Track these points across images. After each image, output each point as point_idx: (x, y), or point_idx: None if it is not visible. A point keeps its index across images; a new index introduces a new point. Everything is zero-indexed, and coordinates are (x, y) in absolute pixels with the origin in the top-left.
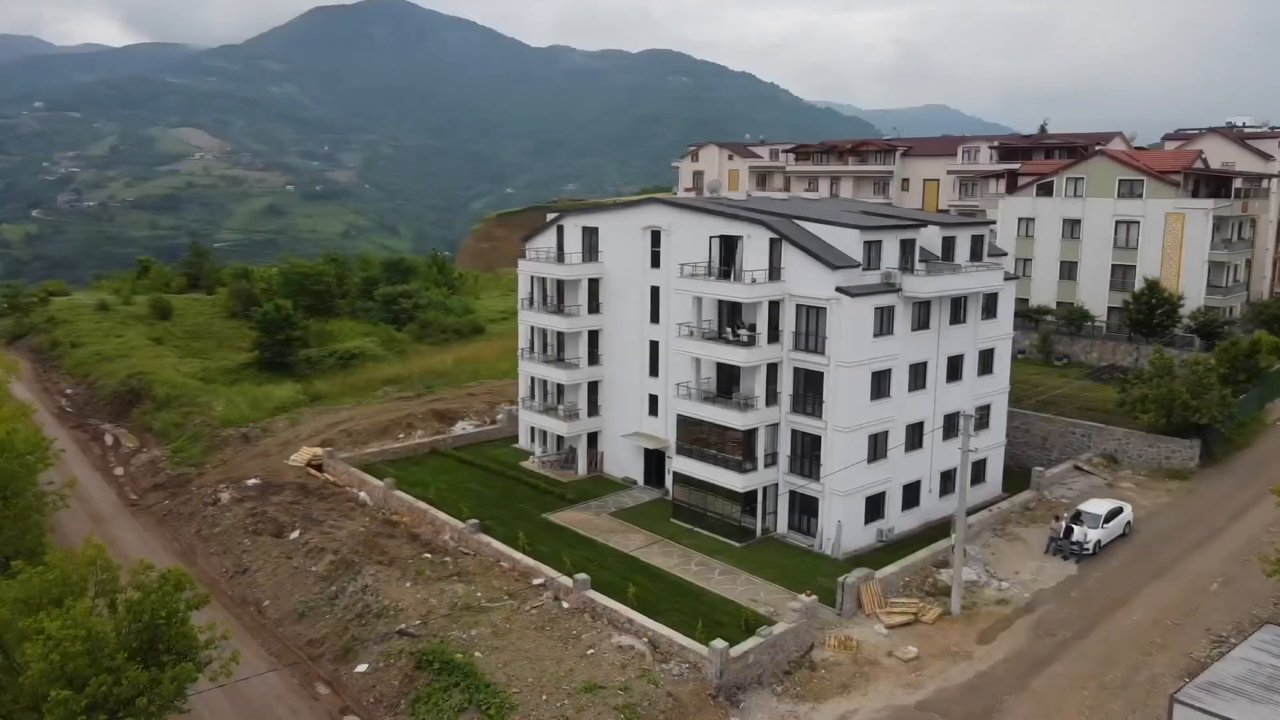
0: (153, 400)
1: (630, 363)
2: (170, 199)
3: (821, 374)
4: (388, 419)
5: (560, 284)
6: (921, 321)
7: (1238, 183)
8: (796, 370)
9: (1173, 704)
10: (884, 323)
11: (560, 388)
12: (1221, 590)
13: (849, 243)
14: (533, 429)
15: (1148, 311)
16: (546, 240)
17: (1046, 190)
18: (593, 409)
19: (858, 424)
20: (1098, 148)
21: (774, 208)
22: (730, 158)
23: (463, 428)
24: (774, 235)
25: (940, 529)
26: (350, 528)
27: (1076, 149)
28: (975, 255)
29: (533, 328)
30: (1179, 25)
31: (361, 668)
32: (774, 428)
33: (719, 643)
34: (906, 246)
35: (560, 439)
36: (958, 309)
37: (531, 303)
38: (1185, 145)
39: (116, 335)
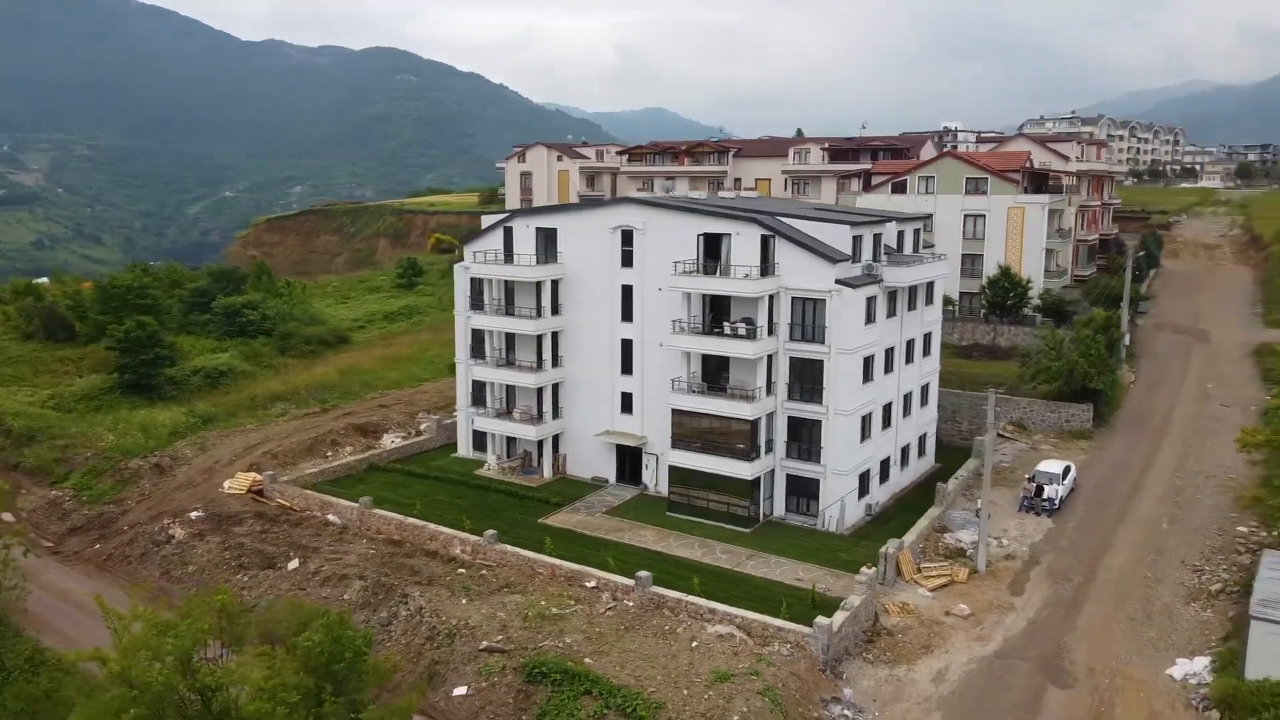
0: (7, 435)
1: (598, 362)
2: None
3: (820, 362)
4: (308, 437)
5: (510, 286)
6: (891, 309)
7: (1053, 180)
8: (793, 360)
9: (1250, 620)
10: (871, 311)
11: (511, 391)
12: (1172, 528)
13: (839, 238)
14: (476, 434)
15: (1003, 294)
16: (491, 242)
17: (901, 188)
18: (554, 410)
19: (854, 407)
20: (948, 150)
21: (741, 205)
22: (560, 159)
23: (392, 440)
24: (766, 232)
25: (903, 499)
26: (357, 551)
27: (899, 150)
28: (915, 247)
29: (481, 331)
30: (861, 36)
31: (460, 691)
32: (770, 416)
33: (823, 620)
34: (877, 240)
35: (511, 442)
36: (914, 297)
37: (480, 306)
38: (998, 147)
39: None
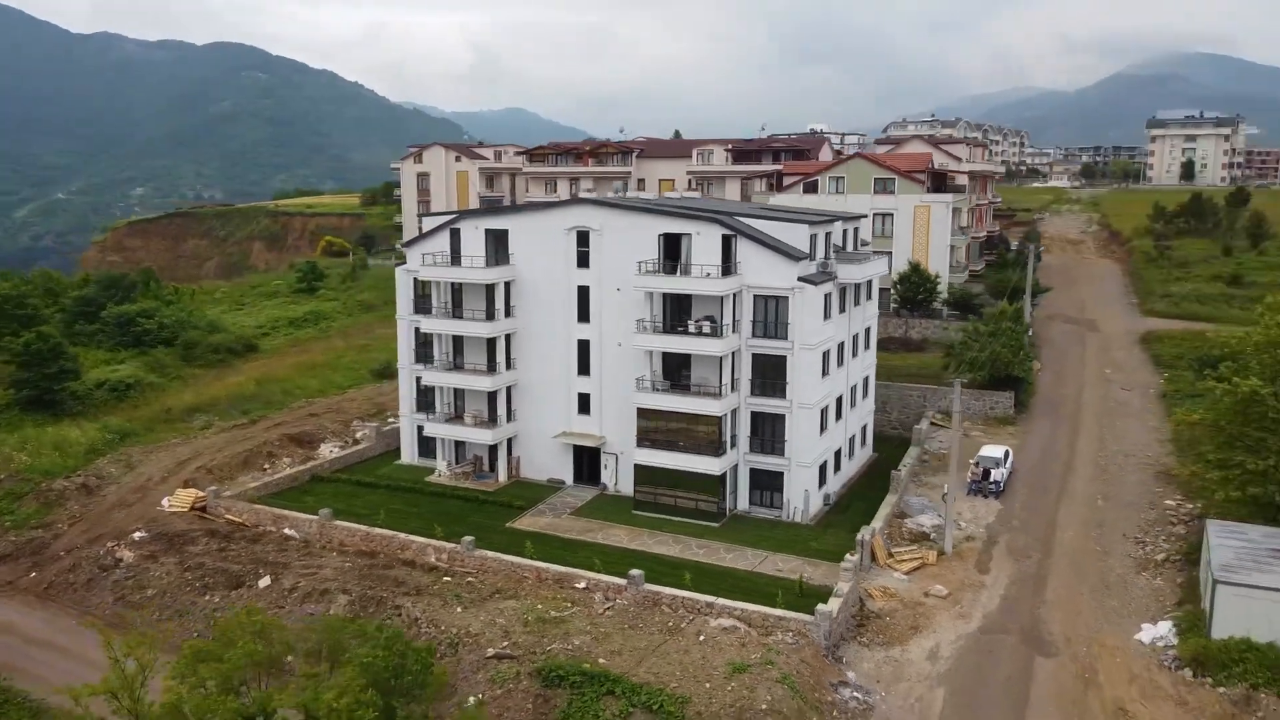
0: None
1: (554, 364)
2: None
3: (783, 358)
4: (242, 449)
5: (458, 288)
6: (842, 305)
7: (954, 180)
8: (756, 356)
9: (1216, 585)
10: (828, 308)
11: (460, 395)
12: (1107, 504)
13: (797, 237)
14: (421, 440)
15: (914, 289)
16: (436, 244)
17: (812, 188)
18: (508, 414)
19: (816, 400)
20: (856, 152)
21: (698, 205)
22: (458, 159)
23: (330, 450)
24: (727, 231)
25: (852, 488)
26: (331, 565)
27: (800, 152)
28: (854, 245)
29: (427, 335)
30: (715, 41)
31: (474, 700)
32: (734, 412)
33: (824, 607)
34: (828, 239)
35: (460, 447)
36: (859, 293)
37: (426, 309)
38: (895, 149)
39: None
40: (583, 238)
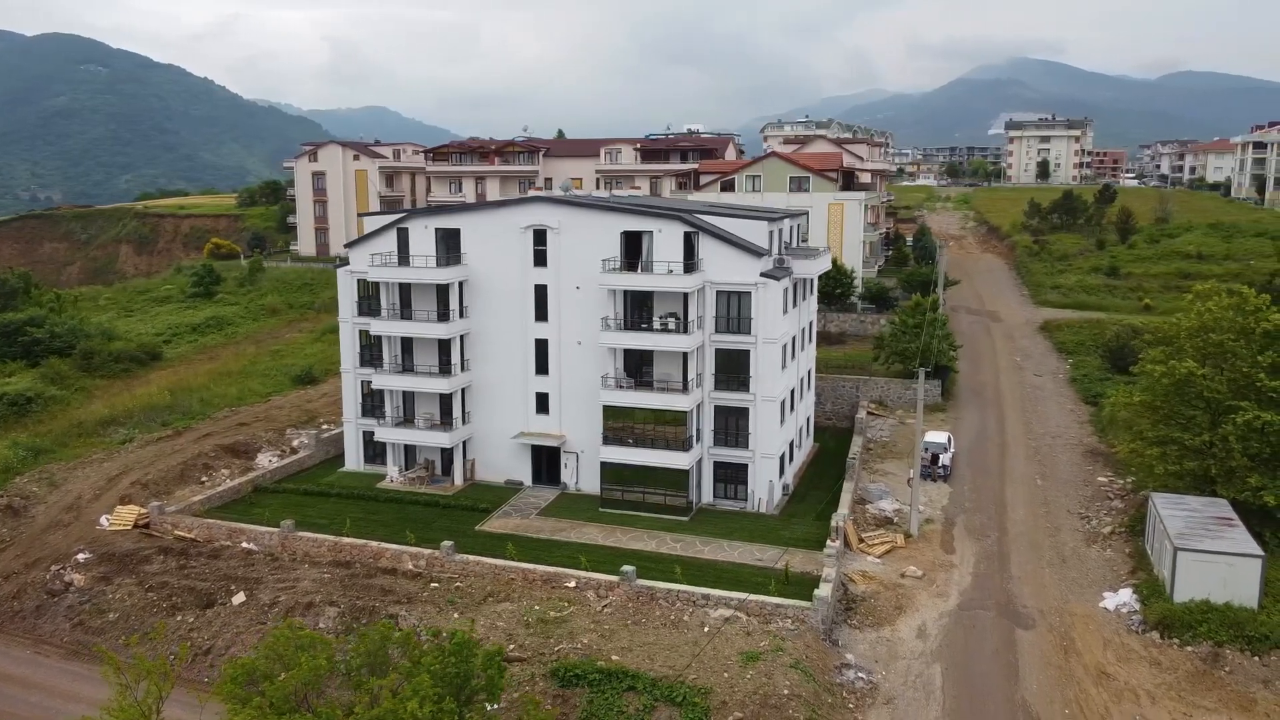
0: None
1: (510, 364)
2: None
3: (746, 352)
4: (176, 462)
5: (406, 289)
6: (794, 300)
7: (860, 178)
8: (719, 351)
9: (1177, 553)
10: (786, 302)
11: (410, 398)
12: (1046, 483)
13: (756, 233)
14: (369, 444)
15: (832, 285)
16: (383, 244)
17: (729, 186)
18: (463, 416)
19: (778, 393)
20: (770, 151)
21: (657, 203)
22: (356, 158)
23: (270, 460)
24: (689, 229)
25: (802, 478)
26: (310, 577)
27: (707, 151)
28: (796, 242)
29: (375, 337)
30: (580, 42)
31: (491, 705)
32: (699, 407)
33: (820, 592)
34: (781, 235)
35: (410, 451)
36: (805, 288)
37: (374, 311)
38: (801, 148)
39: None
40: (540, 236)
